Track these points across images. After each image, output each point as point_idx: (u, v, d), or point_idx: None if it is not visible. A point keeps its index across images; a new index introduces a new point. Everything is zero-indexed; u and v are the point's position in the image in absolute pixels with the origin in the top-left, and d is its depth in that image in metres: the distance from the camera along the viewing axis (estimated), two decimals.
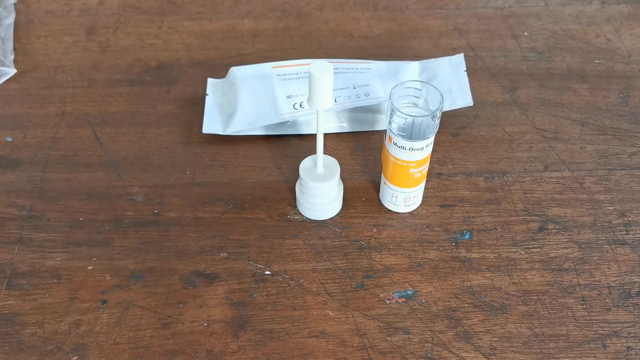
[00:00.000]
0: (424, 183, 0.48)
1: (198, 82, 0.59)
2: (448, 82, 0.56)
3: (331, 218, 0.49)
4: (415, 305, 0.44)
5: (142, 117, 0.57)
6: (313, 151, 0.47)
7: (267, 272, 0.46)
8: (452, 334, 0.43)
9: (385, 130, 0.45)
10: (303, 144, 0.54)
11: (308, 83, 0.42)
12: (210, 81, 0.57)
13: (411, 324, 0.43)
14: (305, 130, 0.55)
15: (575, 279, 0.45)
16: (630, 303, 0.44)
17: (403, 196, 0.48)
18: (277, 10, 0.68)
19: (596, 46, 0.63)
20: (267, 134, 0.55)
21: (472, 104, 0.54)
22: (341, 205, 0.50)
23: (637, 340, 0.42)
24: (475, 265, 0.46)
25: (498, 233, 0.48)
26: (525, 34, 0.65)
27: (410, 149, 0.44)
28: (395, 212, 0.49)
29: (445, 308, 0.44)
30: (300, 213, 0.49)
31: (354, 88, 0.55)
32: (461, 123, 0.56)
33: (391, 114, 0.43)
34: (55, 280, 0.45)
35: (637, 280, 0.45)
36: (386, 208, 0.50)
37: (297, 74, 0.56)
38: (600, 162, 0.53)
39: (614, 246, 0.47)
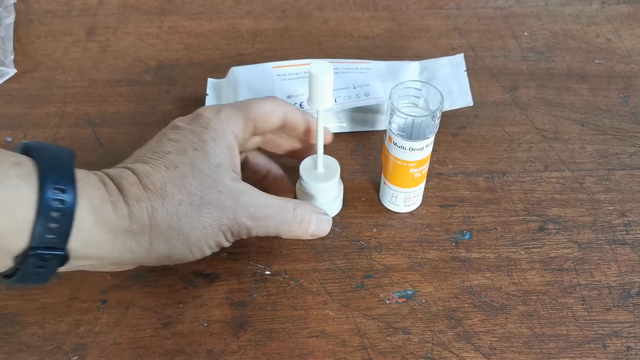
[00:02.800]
0: (424, 183, 0.48)
1: (198, 82, 0.59)
2: (448, 82, 0.56)
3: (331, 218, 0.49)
4: (415, 305, 0.44)
5: (142, 117, 0.57)
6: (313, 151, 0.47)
7: (267, 272, 0.46)
8: (452, 334, 0.43)
9: (385, 130, 0.45)
10: None
11: (308, 83, 0.42)
12: (210, 81, 0.57)
13: (411, 324, 0.43)
14: None
15: (575, 279, 0.45)
16: (630, 303, 0.44)
17: (403, 196, 0.48)
18: (277, 10, 0.68)
19: (596, 46, 0.63)
20: None
21: (472, 104, 0.54)
22: (341, 205, 0.50)
23: (637, 340, 0.42)
24: (475, 265, 0.46)
25: (498, 233, 0.48)
26: (525, 34, 0.65)
27: (410, 149, 0.44)
28: (395, 212, 0.49)
29: (445, 308, 0.44)
30: None
31: (354, 88, 0.55)
32: (461, 123, 0.56)
33: (391, 114, 0.43)
34: (55, 280, 0.45)
35: (637, 280, 0.45)
36: (386, 208, 0.50)
37: (297, 74, 0.56)
38: (600, 162, 0.53)
39: (614, 246, 0.47)
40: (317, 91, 0.41)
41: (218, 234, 0.38)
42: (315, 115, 0.43)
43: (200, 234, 0.38)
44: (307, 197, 0.47)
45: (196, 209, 0.37)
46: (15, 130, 0.56)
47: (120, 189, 0.36)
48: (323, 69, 0.40)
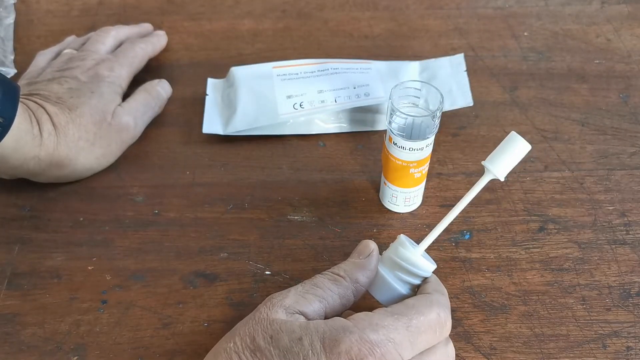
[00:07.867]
0: (424, 183, 0.48)
1: (198, 82, 0.59)
2: (448, 82, 0.56)
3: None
4: None
5: None
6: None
7: (267, 272, 0.46)
8: (452, 334, 0.42)
9: (385, 130, 0.45)
10: (303, 144, 0.54)
11: (506, 144, 0.39)
12: (210, 81, 0.57)
13: None
14: (305, 130, 0.55)
15: (575, 279, 0.45)
16: (630, 303, 0.44)
17: (403, 196, 0.48)
18: (277, 10, 0.68)
19: (596, 46, 0.63)
20: (267, 134, 0.55)
21: (472, 104, 0.54)
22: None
23: (637, 340, 0.42)
24: (475, 265, 0.46)
25: (498, 233, 0.48)
26: (525, 34, 0.65)
27: (410, 149, 0.44)
28: (395, 212, 0.49)
29: None
30: (306, 212, 0.49)
31: (354, 88, 0.55)
32: (461, 123, 0.56)
33: (391, 114, 0.43)
34: (55, 280, 0.45)
35: (637, 280, 0.45)
36: (386, 208, 0.50)
37: (297, 74, 0.56)
38: (600, 162, 0.53)
39: (614, 246, 0.47)
40: (506, 155, 0.39)
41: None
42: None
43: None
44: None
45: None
46: None
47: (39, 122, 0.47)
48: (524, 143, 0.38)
